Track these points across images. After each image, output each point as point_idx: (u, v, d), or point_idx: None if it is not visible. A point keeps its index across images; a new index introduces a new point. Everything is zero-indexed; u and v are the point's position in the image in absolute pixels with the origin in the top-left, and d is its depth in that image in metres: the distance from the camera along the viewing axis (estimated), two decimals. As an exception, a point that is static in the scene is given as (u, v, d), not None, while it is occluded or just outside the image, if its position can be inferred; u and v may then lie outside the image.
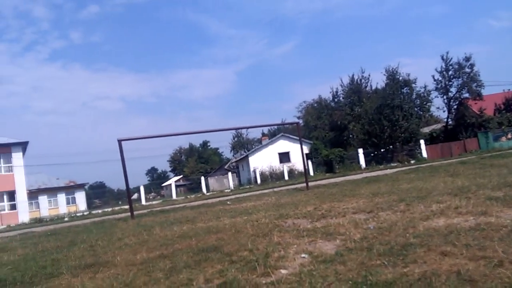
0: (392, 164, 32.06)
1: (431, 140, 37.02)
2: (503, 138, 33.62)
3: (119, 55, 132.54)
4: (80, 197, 49.65)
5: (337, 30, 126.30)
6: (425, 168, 18.98)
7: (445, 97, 37.66)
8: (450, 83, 36.95)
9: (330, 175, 31.28)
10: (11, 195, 33.00)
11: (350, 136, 41.27)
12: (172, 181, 57.07)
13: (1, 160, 32.99)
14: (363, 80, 41.66)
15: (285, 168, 37.51)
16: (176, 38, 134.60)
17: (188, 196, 33.71)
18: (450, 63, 36.37)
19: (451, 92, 37.31)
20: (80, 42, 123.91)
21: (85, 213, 29.27)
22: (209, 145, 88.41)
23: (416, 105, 36.15)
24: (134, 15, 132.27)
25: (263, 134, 59.06)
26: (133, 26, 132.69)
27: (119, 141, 15.65)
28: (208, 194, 33.28)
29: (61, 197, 47.95)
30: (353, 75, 41.70)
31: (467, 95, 36.57)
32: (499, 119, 34.91)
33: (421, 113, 37.10)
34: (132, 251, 6.81)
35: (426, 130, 40.12)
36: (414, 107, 35.64)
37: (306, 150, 34.56)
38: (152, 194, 67.70)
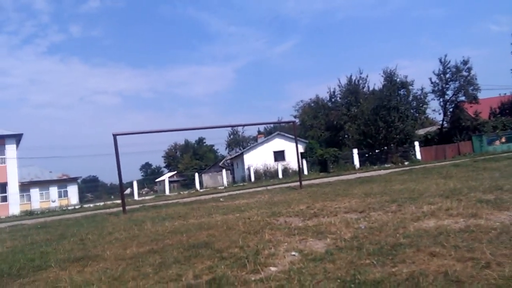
0: (386, 165, 32.23)
1: (425, 142, 37.21)
2: (497, 142, 33.91)
3: (118, 50, 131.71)
4: (73, 191, 49.23)
5: (337, 31, 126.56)
6: (418, 170, 19.11)
7: (441, 99, 37.80)
8: (447, 86, 37.05)
9: (324, 174, 31.39)
10: (3, 187, 32.73)
11: (346, 136, 41.33)
12: (166, 176, 56.77)
13: (-6, 151, 32.75)
14: (360, 81, 41.73)
15: (280, 166, 37.56)
16: (176, 35, 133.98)
17: (181, 192, 33.59)
18: (448, 66, 36.48)
19: (447, 95, 37.48)
20: (80, 36, 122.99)
21: (77, 207, 29.07)
22: (205, 142, 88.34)
23: (412, 107, 36.25)
24: (134, 11, 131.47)
25: (259, 132, 59.16)
26: (134, 22, 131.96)
27: (114, 136, 15.73)
28: (201, 190, 33.20)
29: (53, 190, 47.53)
30: (351, 76, 41.78)
31: (463, 98, 36.66)
32: (494, 123, 35.13)
33: (417, 115, 37.20)
34: (122, 246, 6.78)
35: (421, 132, 40.26)
36: (410, 109, 35.75)
37: (301, 149, 34.64)
38: (145, 189, 67.30)
